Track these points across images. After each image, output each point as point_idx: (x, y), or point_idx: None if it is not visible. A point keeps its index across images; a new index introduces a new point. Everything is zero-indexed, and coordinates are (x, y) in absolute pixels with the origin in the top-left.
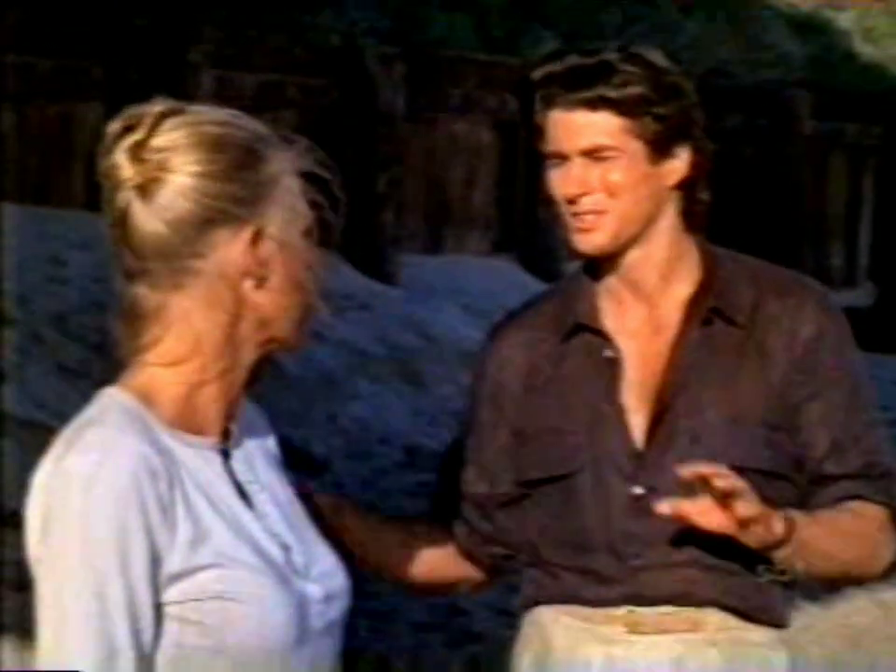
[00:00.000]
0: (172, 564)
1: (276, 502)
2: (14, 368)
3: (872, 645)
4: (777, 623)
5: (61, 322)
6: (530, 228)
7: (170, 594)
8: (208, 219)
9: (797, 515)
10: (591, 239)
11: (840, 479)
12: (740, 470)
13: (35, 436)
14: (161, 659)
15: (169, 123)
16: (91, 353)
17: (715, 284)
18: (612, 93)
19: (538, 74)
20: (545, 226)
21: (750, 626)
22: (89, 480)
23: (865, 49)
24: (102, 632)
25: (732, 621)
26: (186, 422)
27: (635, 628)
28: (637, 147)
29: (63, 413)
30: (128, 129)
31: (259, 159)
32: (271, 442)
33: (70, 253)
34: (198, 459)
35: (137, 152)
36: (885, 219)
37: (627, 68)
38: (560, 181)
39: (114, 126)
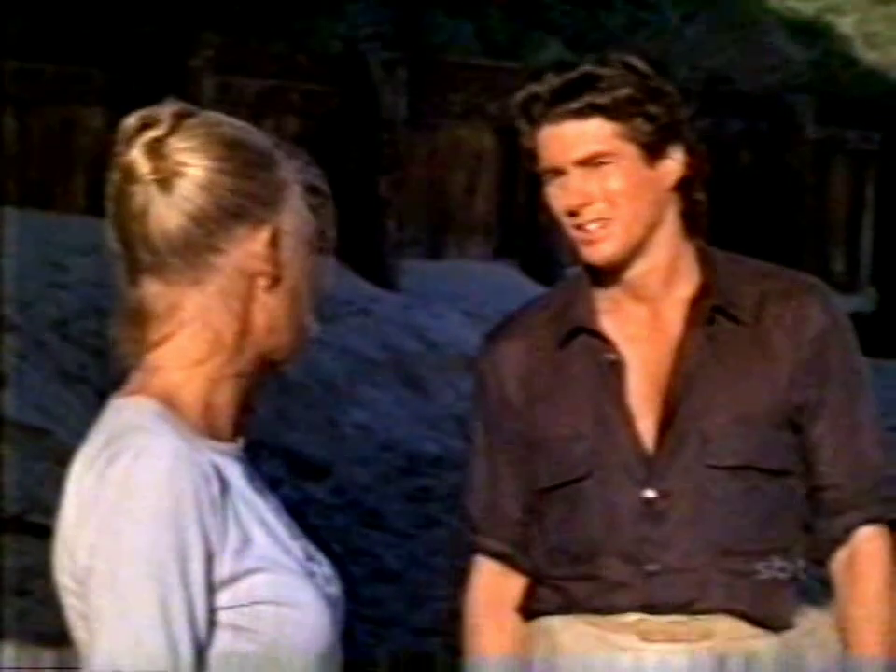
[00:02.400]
0: (222, 568)
1: (278, 509)
2: (14, 373)
3: None
4: (784, 625)
5: (61, 327)
6: (531, 233)
7: (222, 598)
8: (229, 213)
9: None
10: (599, 250)
11: (844, 492)
12: (750, 469)
13: (36, 441)
14: (214, 666)
15: (187, 123)
16: (92, 358)
17: (716, 284)
18: (600, 99)
19: (521, 96)
20: (546, 232)
21: (759, 633)
22: (147, 485)
23: (867, 55)
24: (166, 638)
25: (741, 629)
26: (206, 427)
27: (646, 636)
28: (631, 151)
29: (63, 419)
30: (145, 126)
31: (272, 162)
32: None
33: (71, 258)
34: (228, 465)
35: (156, 148)
36: (887, 225)
37: (610, 73)
38: (559, 194)
39: (129, 123)
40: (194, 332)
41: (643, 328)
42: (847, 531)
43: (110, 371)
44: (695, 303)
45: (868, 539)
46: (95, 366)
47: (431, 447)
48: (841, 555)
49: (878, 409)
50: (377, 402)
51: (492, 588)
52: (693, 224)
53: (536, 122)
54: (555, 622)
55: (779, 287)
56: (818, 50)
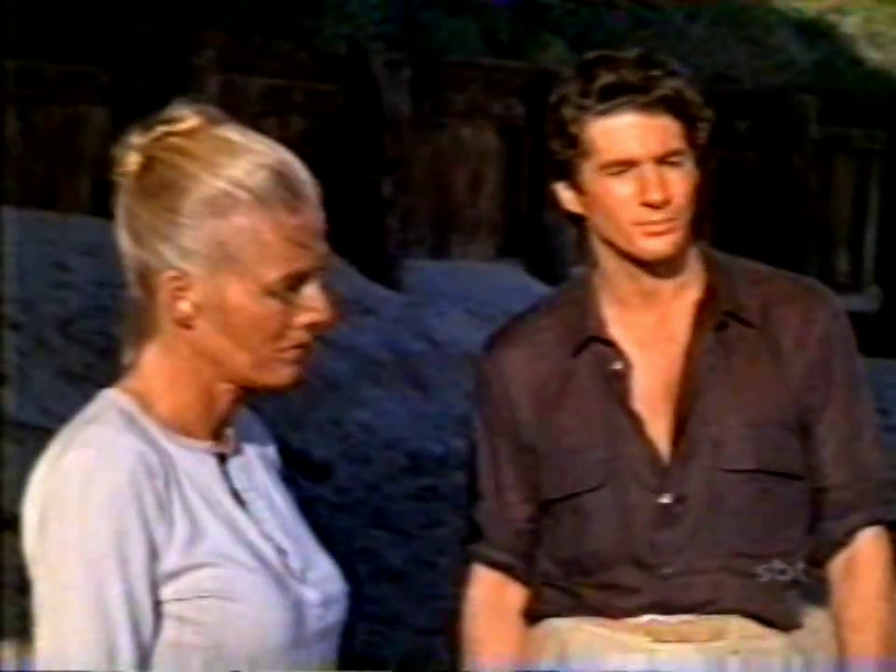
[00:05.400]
0: (169, 561)
1: (273, 508)
2: (17, 372)
3: None
4: (793, 625)
5: (65, 326)
6: (535, 233)
7: (167, 591)
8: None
9: None
10: (664, 242)
11: (846, 494)
12: (764, 473)
13: (38, 440)
14: (159, 657)
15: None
16: (95, 357)
17: (722, 288)
18: (670, 96)
19: (608, 80)
20: (550, 231)
21: (770, 633)
22: (86, 476)
23: (871, 54)
24: (102, 628)
25: (753, 628)
26: (180, 425)
27: (657, 637)
28: (691, 155)
29: (66, 418)
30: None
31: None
32: (269, 450)
33: (74, 258)
34: (194, 461)
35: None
36: (891, 224)
37: (671, 72)
38: (638, 187)
39: None
40: (166, 340)
41: (652, 333)
42: (849, 533)
43: (113, 370)
44: (703, 308)
45: (869, 541)
46: (98, 365)
47: (435, 446)
48: (841, 557)
49: (882, 408)
50: (381, 401)
51: (491, 598)
52: (696, 227)
53: (593, 110)
54: (563, 623)
55: (783, 291)
56: (822, 50)
